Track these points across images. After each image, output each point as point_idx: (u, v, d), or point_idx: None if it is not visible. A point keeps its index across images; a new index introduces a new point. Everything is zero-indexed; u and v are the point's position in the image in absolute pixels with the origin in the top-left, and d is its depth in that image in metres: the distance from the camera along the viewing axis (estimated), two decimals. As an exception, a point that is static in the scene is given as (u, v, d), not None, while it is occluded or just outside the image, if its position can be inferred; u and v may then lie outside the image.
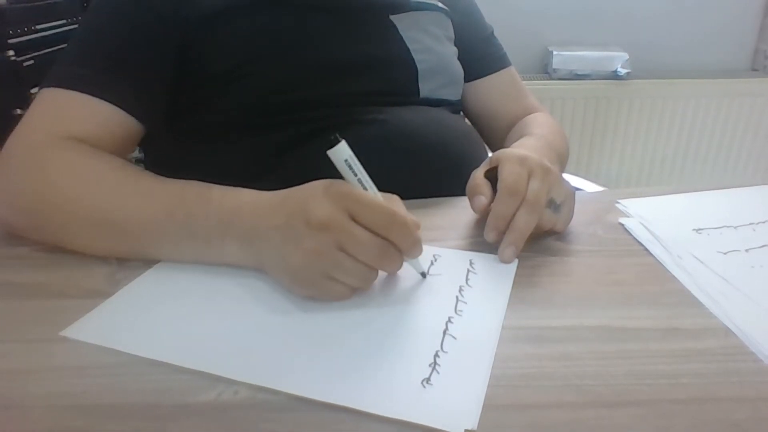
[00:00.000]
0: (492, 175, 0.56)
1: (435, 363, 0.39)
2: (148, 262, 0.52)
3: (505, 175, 0.53)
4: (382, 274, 0.48)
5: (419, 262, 0.49)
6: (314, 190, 0.45)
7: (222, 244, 0.49)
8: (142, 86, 0.64)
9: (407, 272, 0.49)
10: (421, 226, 0.48)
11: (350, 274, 0.44)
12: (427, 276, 0.50)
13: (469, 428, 0.34)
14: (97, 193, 0.53)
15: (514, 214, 0.52)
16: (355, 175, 0.45)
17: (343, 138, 0.44)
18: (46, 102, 0.61)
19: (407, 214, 0.47)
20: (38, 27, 1.38)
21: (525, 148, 0.60)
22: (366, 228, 0.43)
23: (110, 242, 0.53)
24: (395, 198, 0.49)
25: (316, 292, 0.45)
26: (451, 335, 0.42)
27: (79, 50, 0.65)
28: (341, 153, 0.44)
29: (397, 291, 0.48)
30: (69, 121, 0.59)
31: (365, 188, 0.45)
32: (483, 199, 0.55)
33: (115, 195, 0.53)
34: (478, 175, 0.58)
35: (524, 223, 0.52)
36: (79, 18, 1.52)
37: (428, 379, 0.38)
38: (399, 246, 0.45)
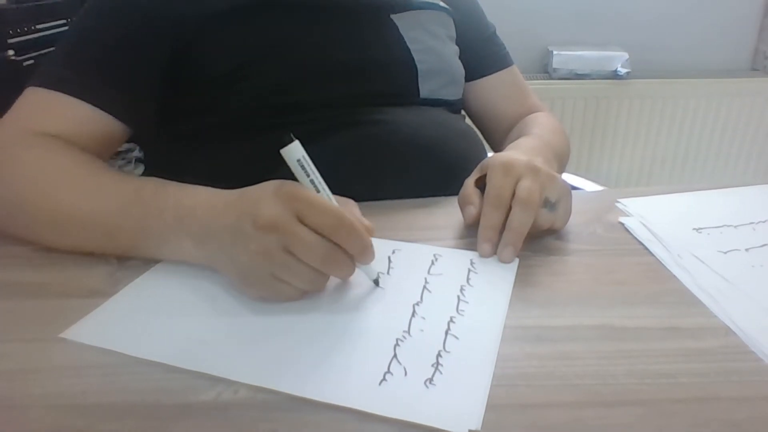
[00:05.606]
0: (483, 184, 0.56)
1: (438, 363, 0.39)
2: (148, 262, 0.51)
3: (489, 188, 0.54)
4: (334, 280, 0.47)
5: (372, 269, 0.48)
6: (265, 190, 0.44)
7: (177, 241, 0.49)
8: (127, 89, 0.64)
9: (417, 273, 0.49)
10: (374, 231, 0.47)
11: (297, 276, 0.43)
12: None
13: (473, 428, 0.34)
14: (57, 193, 0.53)
15: (503, 223, 0.52)
16: (308, 176, 0.44)
17: (299, 138, 0.42)
18: (27, 101, 0.62)
19: (360, 218, 0.47)
20: (38, 27, 1.38)
21: (521, 148, 0.60)
22: (314, 230, 0.42)
23: (72, 239, 0.53)
24: (350, 202, 0.48)
25: (264, 293, 0.45)
26: (453, 335, 0.42)
27: (65, 52, 0.65)
28: (294, 153, 0.43)
29: (398, 290, 0.48)
30: (45, 119, 0.60)
31: (318, 190, 0.44)
32: (473, 209, 0.56)
33: (74, 193, 0.53)
34: (468, 184, 0.58)
35: (519, 222, 0.52)
36: (79, 18, 1.53)
37: (431, 379, 0.37)
38: (348, 250, 0.44)
